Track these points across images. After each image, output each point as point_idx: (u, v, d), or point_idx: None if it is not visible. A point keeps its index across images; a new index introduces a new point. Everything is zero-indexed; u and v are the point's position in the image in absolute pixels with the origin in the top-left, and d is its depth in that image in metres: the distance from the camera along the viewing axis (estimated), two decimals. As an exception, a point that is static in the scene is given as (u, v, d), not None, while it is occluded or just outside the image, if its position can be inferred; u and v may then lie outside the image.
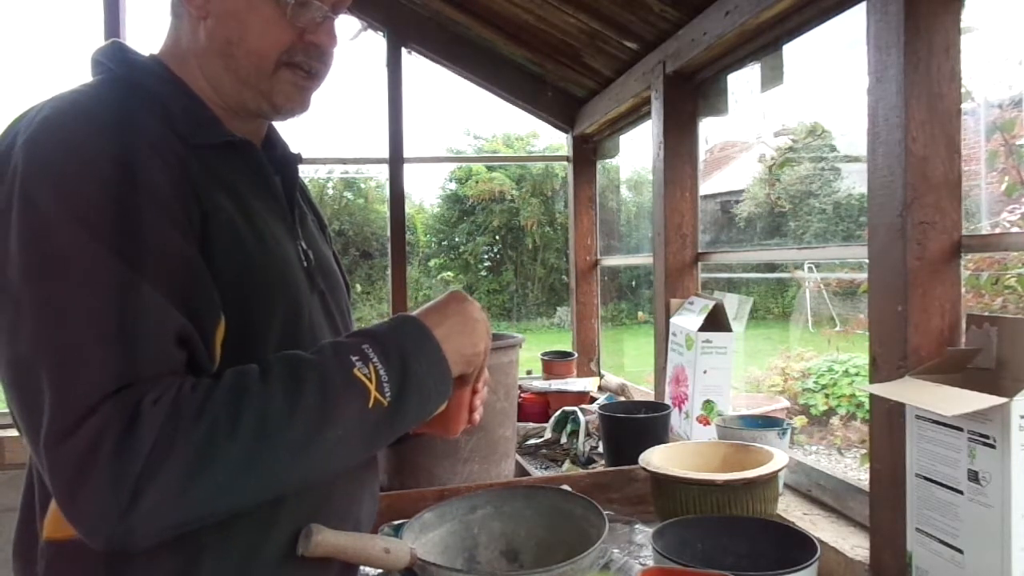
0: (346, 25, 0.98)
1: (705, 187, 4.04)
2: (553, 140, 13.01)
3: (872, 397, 1.22)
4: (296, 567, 0.85)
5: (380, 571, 1.14)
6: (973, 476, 0.96)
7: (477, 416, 0.99)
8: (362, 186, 14.30)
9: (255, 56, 0.87)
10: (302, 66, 0.90)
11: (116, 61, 0.86)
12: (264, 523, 0.82)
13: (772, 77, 1.76)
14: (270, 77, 0.88)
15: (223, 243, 0.80)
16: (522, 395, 2.42)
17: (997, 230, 3.04)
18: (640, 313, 11.88)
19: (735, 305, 1.92)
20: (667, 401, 1.98)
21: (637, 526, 1.33)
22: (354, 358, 0.78)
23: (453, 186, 14.94)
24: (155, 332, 0.72)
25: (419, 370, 0.81)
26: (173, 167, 0.78)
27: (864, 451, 4.72)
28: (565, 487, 1.35)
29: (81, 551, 0.73)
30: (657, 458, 1.40)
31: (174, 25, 0.91)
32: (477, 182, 14.25)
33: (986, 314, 1.38)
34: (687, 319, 1.96)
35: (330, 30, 0.91)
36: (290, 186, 0.96)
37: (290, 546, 0.85)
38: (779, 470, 1.31)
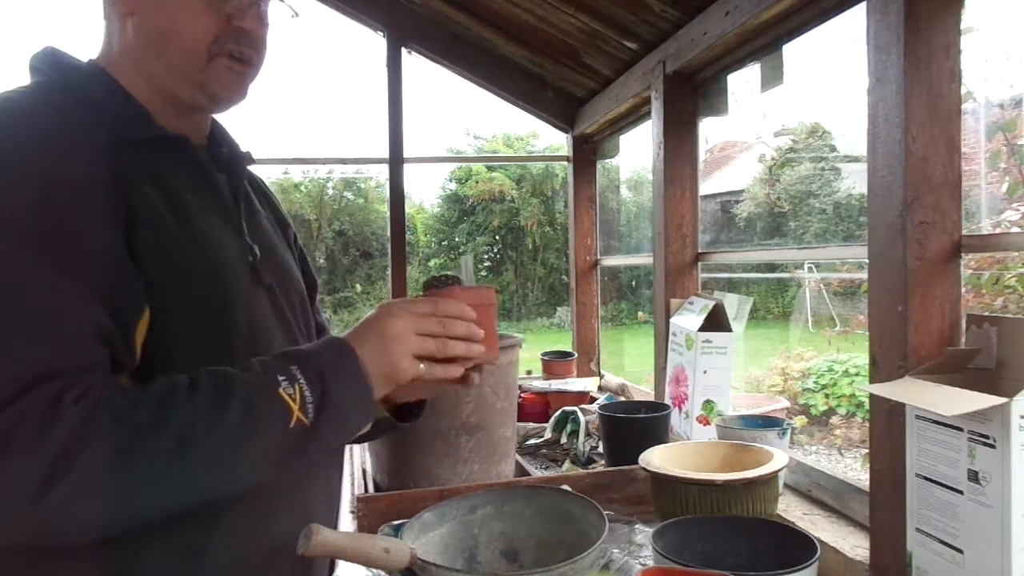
0: (279, 10, 1.01)
1: (705, 187, 4.04)
2: (553, 140, 13.02)
3: (872, 397, 1.22)
4: (243, 564, 0.86)
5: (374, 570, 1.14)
6: (973, 476, 0.96)
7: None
8: (362, 186, 14.31)
9: (186, 46, 0.88)
10: (234, 54, 0.90)
11: (49, 64, 0.88)
12: (207, 521, 0.81)
13: (772, 77, 1.76)
14: (204, 67, 0.89)
15: (148, 235, 0.80)
16: (522, 395, 2.41)
17: (998, 230, 3.04)
18: (640, 313, 11.89)
19: (735, 305, 1.92)
20: (667, 401, 1.98)
21: (637, 526, 1.33)
22: (281, 378, 0.78)
23: (453, 186, 14.95)
24: (75, 326, 0.72)
25: (339, 392, 0.81)
26: (97, 160, 0.78)
27: (864, 451, 4.72)
28: (565, 487, 1.35)
29: (11, 553, 0.74)
30: (657, 458, 1.40)
31: (106, 29, 0.92)
32: (477, 182, 14.26)
33: (986, 314, 1.38)
34: (687, 319, 1.96)
35: (257, 15, 0.91)
36: (236, 183, 0.97)
37: (235, 543, 0.84)
38: (779, 470, 1.31)
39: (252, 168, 1.09)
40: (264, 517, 0.87)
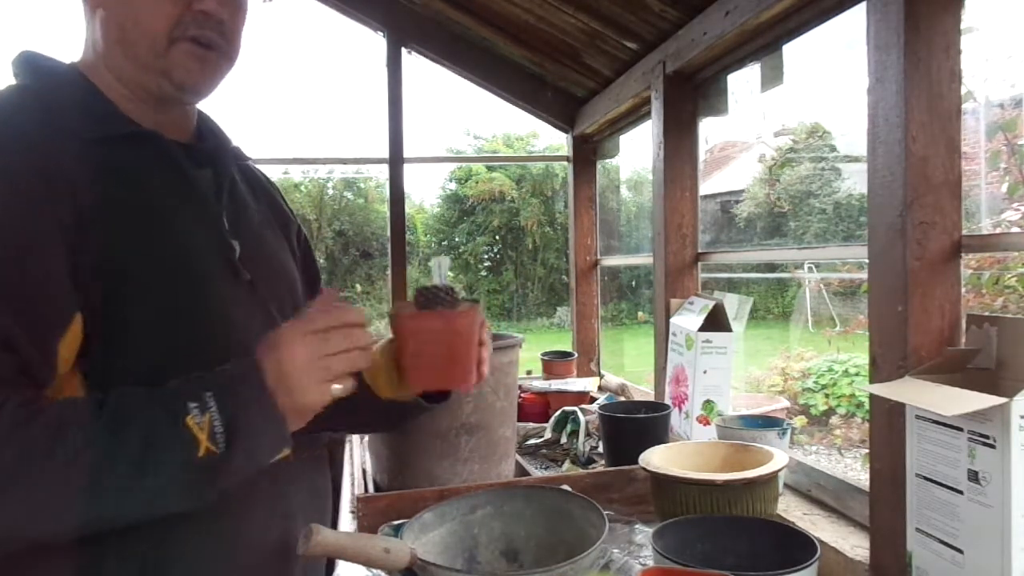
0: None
1: (705, 187, 4.04)
2: (553, 140, 13.02)
3: (872, 397, 1.22)
4: (216, 566, 0.85)
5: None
6: (973, 476, 0.96)
7: (485, 369, 0.98)
8: (362, 186, 14.30)
9: (146, 34, 0.87)
10: (199, 39, 0.88)
11: (23, 68, 0.89)
12: (173, 524, 0.80)
13: (772, 77, 1.76)
14: (165, 54, 0.88)
15: (104, 235, 0.80)
16: (522, 395, 2.41)
17: (998, 230, 3.04)
18: (640, 313, 11.89)
19: (735, 305, 1.92)
20: (667, 401, 1.98)
21: (637, 526, 1.33)
22: (192, 405, 0.75)
23: (453, 186, 14.95)
24: None
25: (249, 420, 0.78)
26: (41, 165, 0.78)
27: (864, 451, 4.72)
28: (565, 487, 1.35)
29: None
30: (657, 458, 1.40)
31: (86, 29, 0.93)
32: (477, 182, 14.26)
33: (986, 314, 1.38)
34: (687, 319, 1.95)
35: None
36: (222, 178, 0.97)
37: (205, 545, 0.84)
38: (779, 470, 1.31)
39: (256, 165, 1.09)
40: (235, 517, 0.86)
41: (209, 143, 1.01)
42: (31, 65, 0.90)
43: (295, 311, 1.02)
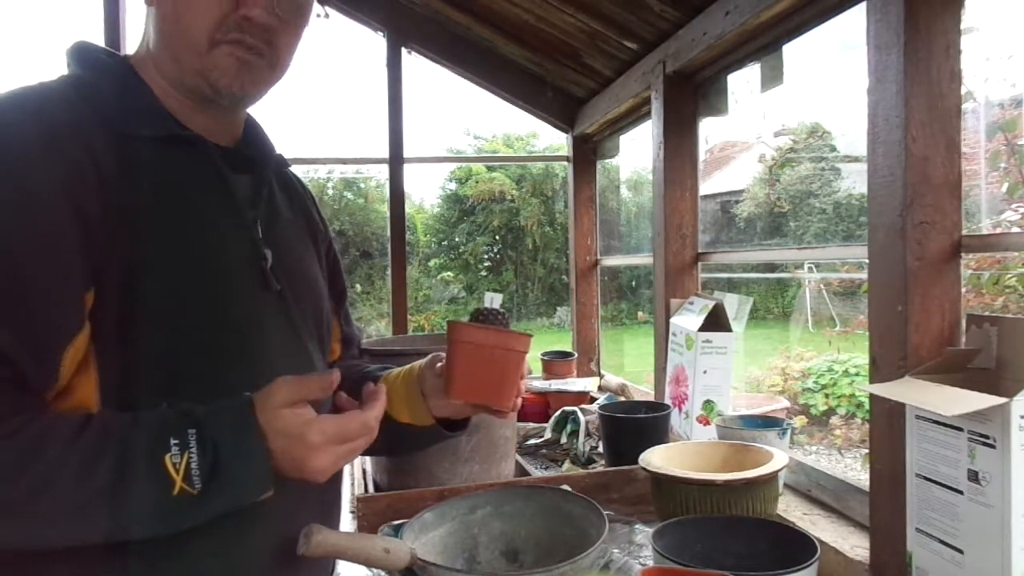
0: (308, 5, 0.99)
1: (705, 187, 4.04)
2: (553, 140, 13.02)
3: (872, 397, 1.22)
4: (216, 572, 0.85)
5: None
6: (973, 476, 0.96)
7: (519, 401, 1.02)
8: (362, 186, 14.30)
9: (188, 31, 0.86)
10: (240, 43, 0.87)
11: (74, 59, 0.89)
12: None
13: (772, 77, 1.76)
14: (205, 54, 0.87)
15: (133, 233, 0.79)
16: (522, 395, 2.41)
17: (998, 230, 3.04)
18: (640, 313, 11.89)
19: (735, 305, 1.92)
20: (667, 401, 1.98)
21: (637, 526, 1.33)
22: (173, 442, 0.75)
23: (453, 186, 14.94)
24: None
25: (232, 464, 0.77)
26: (74, 163, 0.77)
27: (864, 451, 4.73)
28: (565, 487, 1.35)
29: None
30: (657, 458, 1.40)
31: (144, 23, 0.93)
32: (477, 182, 14.26)
33: (986, 314, 1.38)
34: (687, 319, 1.96)
35: (265, 3, 0.87)
36: (260, 185, 0.96)
37: (207, 553, 0.83)
38: (779, 470, 1.31)
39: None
40: (247, 521, 0.84)
41: (252, 149, 1.00)
42: (82, 56, 0.89)
43: (319, 324, 1.02)
